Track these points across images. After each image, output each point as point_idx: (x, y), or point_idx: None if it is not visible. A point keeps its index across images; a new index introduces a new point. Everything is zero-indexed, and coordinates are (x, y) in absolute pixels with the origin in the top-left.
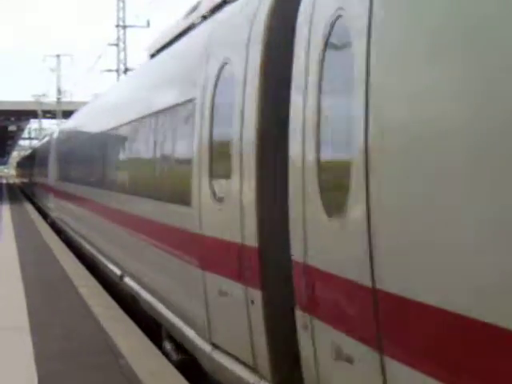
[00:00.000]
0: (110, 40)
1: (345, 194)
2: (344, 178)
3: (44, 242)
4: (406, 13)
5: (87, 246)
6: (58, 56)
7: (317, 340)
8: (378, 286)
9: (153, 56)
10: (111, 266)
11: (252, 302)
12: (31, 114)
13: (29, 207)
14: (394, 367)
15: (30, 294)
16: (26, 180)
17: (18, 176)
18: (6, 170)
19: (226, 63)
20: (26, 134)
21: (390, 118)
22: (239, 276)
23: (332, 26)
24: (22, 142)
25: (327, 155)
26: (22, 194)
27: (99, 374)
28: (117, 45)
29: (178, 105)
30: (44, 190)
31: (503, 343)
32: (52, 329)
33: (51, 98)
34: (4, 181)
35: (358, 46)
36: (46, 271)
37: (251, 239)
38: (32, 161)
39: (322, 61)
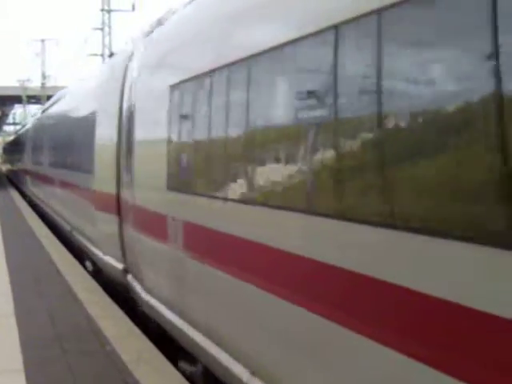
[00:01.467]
0: (95, 24)
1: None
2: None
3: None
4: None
5: (47, 209)
6: (42, 41)
7: (126, 233)
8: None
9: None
10: (60, 220)
11: (118, 223)
12: (16, 100)
13: (15, 195)
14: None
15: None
16: (10, 166)
17: (3, 162)
18: None
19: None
20: (10, 120)
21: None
22: (113, 210)
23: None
24: (6, 128)
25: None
26: (9, 183)
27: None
28: (102, 29)
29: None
30: (24, 173)
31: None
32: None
33: (36, 83)
34: None
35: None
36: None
37: (115, 191)
38: (15, 146)
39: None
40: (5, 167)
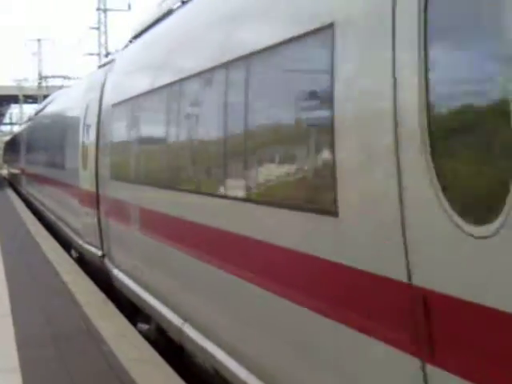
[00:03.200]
0: (91, 24)
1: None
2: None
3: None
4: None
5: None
6: (39, 40)
7: (102, 223)
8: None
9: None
10: (48, 213)
11: (97, 217)
12: (12, 99)
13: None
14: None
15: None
16: (8, 166)
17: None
18: None
19: (88, 105)
20: (7, 120)
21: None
22: (93, 206)
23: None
24: (3, 128)
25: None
26: (10, 186)
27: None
28: (98, 28)
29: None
30: (21, 173)
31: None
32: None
33: (32, 83)
34: None
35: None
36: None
37: (95, 189)
38: (12, 146)
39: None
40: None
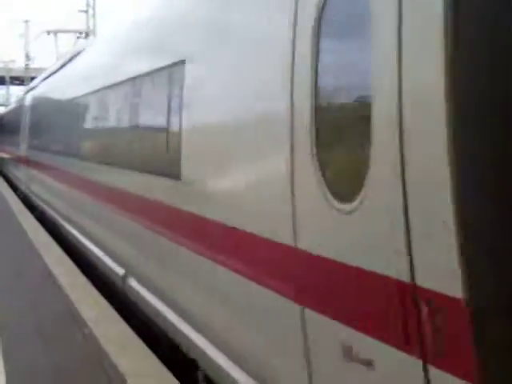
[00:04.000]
0: (79, 7)
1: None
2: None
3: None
4: None
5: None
6: (26, 22)
7: None
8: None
9: None
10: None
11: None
12: None
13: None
14: None
15: None
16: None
17: None
18: None
19: None
20: None
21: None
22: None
23: None
24: None
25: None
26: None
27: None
28: (86, 11)
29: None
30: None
31: None
32: None
33: (20, 64)
34: None
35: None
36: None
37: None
38: None
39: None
40: None
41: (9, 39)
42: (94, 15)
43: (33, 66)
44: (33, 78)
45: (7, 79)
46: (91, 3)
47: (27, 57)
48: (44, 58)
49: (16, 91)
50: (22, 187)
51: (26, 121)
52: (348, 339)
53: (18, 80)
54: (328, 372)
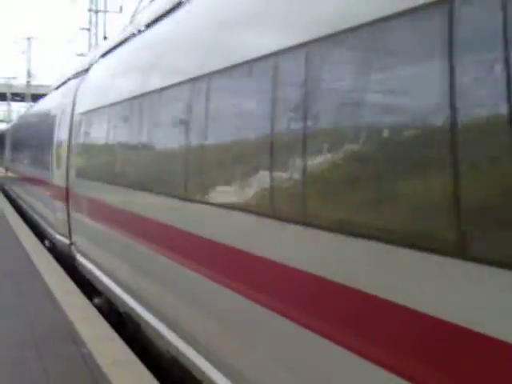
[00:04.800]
0: (81, 24)
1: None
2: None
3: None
4: None
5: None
6: (28, 39)
7: (70, 215)
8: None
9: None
10: (23, 204)
11: (66, 208)
12: (0, 97)
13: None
14: None
15: None
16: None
17: None
18: None
19: (64, 108)
20: None
21: None
22: (64, 199)
23: None
24: None
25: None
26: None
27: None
28: (88, 29)
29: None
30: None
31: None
32: None
33: (21, 81)
34: None
35: None
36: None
37: (65, 184)
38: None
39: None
40: None
41: (12, 55)
42: (96, 34)
43: (34, 82)
44: (34, 95)
45: (8, 95)
46: (93, 21)
47: (29, 73)
48: (45, 74)
49: (17, 107)
50: None
51: None
52: None
53: (18, 96)
54: None
